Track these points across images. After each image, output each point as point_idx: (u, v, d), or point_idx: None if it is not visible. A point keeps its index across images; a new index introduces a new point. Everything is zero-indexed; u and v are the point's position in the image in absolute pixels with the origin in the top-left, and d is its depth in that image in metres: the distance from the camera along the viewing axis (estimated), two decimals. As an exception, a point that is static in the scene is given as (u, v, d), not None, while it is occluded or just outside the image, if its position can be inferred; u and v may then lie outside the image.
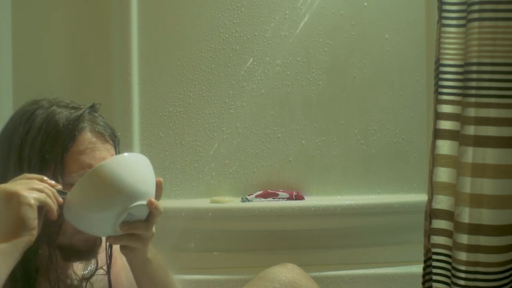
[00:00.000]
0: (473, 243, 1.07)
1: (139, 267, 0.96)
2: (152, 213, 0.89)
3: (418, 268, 1.25)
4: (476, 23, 1.06)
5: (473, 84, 1.07)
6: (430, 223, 1.19)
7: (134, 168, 0.87)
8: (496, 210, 1.06)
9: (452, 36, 1.15)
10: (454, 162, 1.14)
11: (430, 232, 1.19)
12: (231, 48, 1.56)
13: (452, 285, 1.12)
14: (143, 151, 0.93)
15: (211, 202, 1.52)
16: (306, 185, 1.58)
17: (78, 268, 0.98)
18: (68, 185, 0.85)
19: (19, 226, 0.78)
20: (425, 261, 1.20)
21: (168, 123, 1.56)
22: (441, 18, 1.16)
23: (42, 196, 0.80)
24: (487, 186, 1.06)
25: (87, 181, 0.84)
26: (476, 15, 1.06)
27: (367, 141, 1.59)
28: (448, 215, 1.17)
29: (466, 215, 1.08)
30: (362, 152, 1.59)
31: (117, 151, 0.96)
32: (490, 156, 1.05)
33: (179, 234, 1.47)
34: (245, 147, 1.57)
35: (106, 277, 0.98)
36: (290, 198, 1.54)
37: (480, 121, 1.06)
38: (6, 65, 1.52)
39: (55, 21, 1.55)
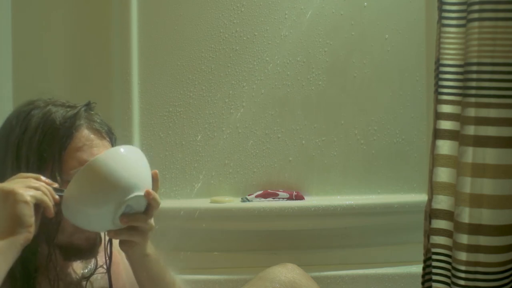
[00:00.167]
0: (473, 243, 1.07)
1: (139, 263, 0.96)
2: (150, 204, 0.89)
3: (418, 268, 1.25)
4: (476, 23, 1.06)
5: (473, 84, 1.07)
6: (430, 223, 1.19)
7: (128, 160, 0.88)
8: (496, 210, 1.06)
9: (452, 36, 1.15)
10: (454, 162, 1.14)
11: (430, 232, 1.19)
12: (231, 48, 1.56)
13: (452, 285, 1.12)
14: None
15: (211, 202, 1.52)
16: (306, 185, 1.58)
17: (78, 267, 0.98)
18: (66, 183, 0.86)
19: (16, 224, 0.79)
20: (425, 261, 1.20)
21: (168, 123, 1.56)
22: (441, 18, 1.16)
23: (38, 193, 0.81)
24: (487, 186, 1.06)
25: (82, 176, 0.84)
26: (476, 15, 1.06)
27: (367, 141, 1.59)
28: (448, 215, 1.17)
29: (466, 215, 1.08)
30: (362, 152, 1.59)
31: None
32: (490, 156, 1.05)
33: (179, 234, 1.47)
34: (245, 147, 1.57)
35: (106, 276, 0.98)
36: (290, 198, 1.54)
37: (480, 121, 1.06)
38: (6, 65, 1.52)
39: (55, 21, 1.55)
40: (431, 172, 1.19)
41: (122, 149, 0.89)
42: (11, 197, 0.79)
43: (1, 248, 0.77)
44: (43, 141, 0.88)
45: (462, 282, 1.09)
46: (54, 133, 0.89)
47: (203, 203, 1.52)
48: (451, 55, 1.15)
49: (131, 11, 1.53)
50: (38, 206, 0.82)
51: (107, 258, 0.98)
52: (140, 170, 0.89)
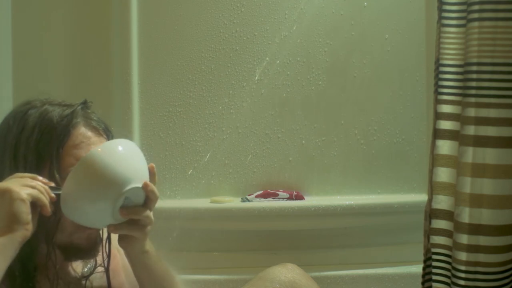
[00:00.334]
0: (473, 243, 1.07)
1: (138, 260, 0.96)
2: (149, 197, 0.90)
3: (418, 268, 1.25)
4: (476, 23, 1.06)
5: (473, 84, 1.07)
6: (430, 223, 1.19)
7: (123, 152, 0.88)
8: (496, 210, 1.06)
9: (452, 36, 1.15)
10: (454, 162, 1.14)
11: (430, 232, 1.19)
12: (231, 48, 1.56)
13: (452, 285, 1.12)
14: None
15: (211, 202, 1.52)
16: (306, 185, 1.58)
17: (78, 266, 0.98)
18: (64, 181, 0.86)
19: (13, 221, 0.79)
20: (425, 261, 1.20)
21: (168, 123, 1.56)
22: (441, 18, 1.16)
23: (34, 192, 0.82)
24: (487, 186, 1.06)
25: (78, 172, 0.84)
26: (476, 15, 1.06)
27: (367, 141, 1.59)
28: (448, 215, 1.17)
29: (466, 215, 1.08)
30: (362, 152, 1.59)
31: None
32: (490, 156, 1.05)
33: (179, 234, 1.47)
34: (245, 147, 1.57)
35: (105, 275, 0.98)
36: (290, 198, 1.54)
37: (480, 121, 1.06)
38: (6, 65, 1.52)
39: (55, 21, 1.55)
40: (431, 172, 1.19)
41: (116, 142, 0.90)
42: (7, 195, 0.80)
43: None
44: (40, 140, 0.89)
45: (462, 282, 1.09)
46: (52, 132, 0.89)
47: (203, 203, 1.52)
48: (451, 55, 1.16)
49: (131, 11, 1.52)
50: (35, 204, 0.82)
51: (105, 257, 0.98)
52: (136, 163, 0.89)
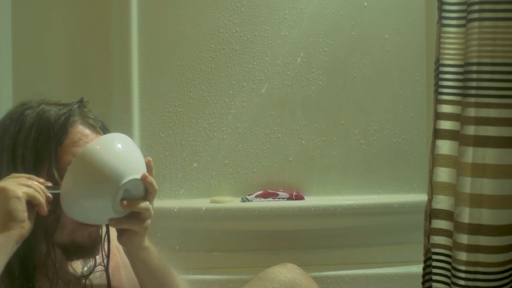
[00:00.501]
0: (473, 243, 1.07)
1: (137, 256, 0.96)
2: (148, 190, 0.90)
3: (418, 268, 1.25)
4: (476, 23, 1.06)
5: (473, 84, 1.07)
6: (430, 223, 1.19)
7: (119, 145, 0.88)
8: (496, 210, 1.06)
9: (452, 36, 1.15)
10: (454, 162, 1.14)
11: (430, 232, 1.19)
12: (231, 48, 1.56)
13: (452, 285, 1.12)
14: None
15: (211, 202, 1.52)
16: (306, 185, 1.58)
17: (77, 265, 0.98)
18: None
19: (9, 219, 0.80)
20: (425, 261, 1.20)
21: (168, 123, 1.56)
22: (441, 18, 1.16)
23: (30, 190, 0.82)
24: (487, 186, 1.06)
25: (75, 168, 0.84)
26: (476, 15, 1.06)
27: (367, 141, 1.59)
28: (448, 215, 1.17)
29: (466, 215, 1.08)
30: (362, 152, 1.59)
31: None
32: (490, 156, 1.05)
33: (179, 234, 1.47)
34: (245, 147, 1.57)
35: (104, 273, 0.98)
36: (290, 198, 1.54)
37: (480, 121, 1.06)
38: (6, 65, 1.52)
39: (55, 21, 1.55)
40: (431, 172, 1.19)
41: (110, 136, 0.90)
42: (2, 194, 0.81)
43: None
44: (38, 139, 0.89)
45: (462, 282, 1.09)
46: (49, 131, 0.90)
47: (203, 203, 1.52)
48: (451, 55, 1.15)
49: (131, 11, 1.52)
50: (32, 203, 0.82)
51: (104, 256, 0.98)
52: (132, 155, 0.90)
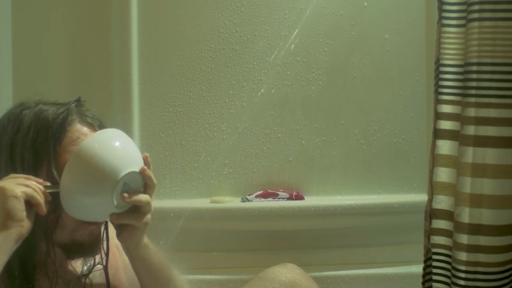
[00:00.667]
0: (473, 243, 1.07)
1: (137, 254, 0.96)
2: (147, 184, 0.91)
3: (418, 268, 1.25)
4: (476, 23, 1.06)
5: (473, 84, 1.07)
6: (430, 223, 1.19)
7: (114, 140, 0.89)
8: (496, 210, 1.06)
9: (452, 36, 1.15)
10: (454, 162, 1.14)
11: (430, 232, 1.19)
12: (231, 48, 1.56)
13: (452, 285, 1.12)
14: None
15: (211, 202, 1.52)
16: (306, 185, 1.58)
17: (77, 264, 0.98)
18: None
19: (7, 218, 0.80)
20: (425, 261, 1.20)
21: (168, 123, 1.56)
22: (441, 18, 1.16)
23: (28, 190, 0.83)
24: (487, 186, 1.06)
25: (72, 164, 0.85)
26: (476, 15, 1.06)
27: (367, 141, 1.59)
28: (448, 215, 1.17)
29: (466, 215, 1.08)
30: (362, 152, 1.59)
31: None
32: (490, 156, 1.05)
33: (179, 234, 1.47)
34: (245, 147, 1.57)
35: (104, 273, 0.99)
36: (290, 198, 1.54)
37: (480, 121, 1.06)
38: (6, 65, 1.52)
39: (55, 21, 1.55)
40: (431, 172, 1.19)
41: (106, 131, 0.91)
42: (1, 193, 0.81)
43: None
44: (37, 139, 0.89)
45: (462, 282, 1.09)
46: (48, 130, 0.90)
47: (203, 203, 1.52)
48: (451, 55, 1.15)
49: (131, 11, 1.52)
50: (31, 203, 0.83)
51: (103, 255, 0.98)
52: (129, 149, 0.90)
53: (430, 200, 1.19)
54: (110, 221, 0.92)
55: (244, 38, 1.56)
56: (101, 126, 0.96)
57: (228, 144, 1.56)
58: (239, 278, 1.40)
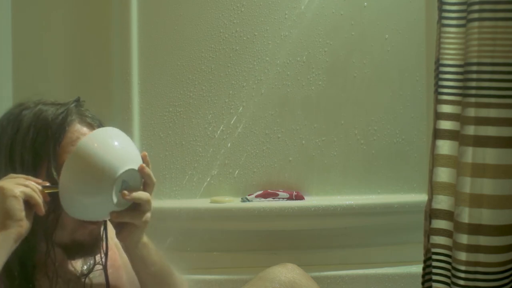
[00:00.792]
0: (473, 243, 1.07)
1: (136, 253, 0.96)
2: (146, 182, 0.91)
3: (418, 268, 1.25)
4: (476, 23, 1.06)
5: (473, 84, 1.07)
6: (430, 223, 1.19)
7: (112, 138, 0.89)
8: (496, 210, 1.06)
9: (452, 36, 1.15)
10: (454, 162, 1.14)
11: (430, 232, 1.19)
12: (231, 48, 1.56)
13: (452, 285, 1.12)
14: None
15: (211, 202, 1.52)
16: (306, 185, 1.58)
17: (77, 264, 0.98)
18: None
19: (6, 218, 0.80)
20: (424, 261, 1.20)
21: (168, 123, 1.56)
22: (441, 18, 1.16)
23: (27, 190, 0.83)
24: (487, 186, 1.06)
25: (71, 163, 0.85)
26: (476, 15, 1.06)
27: (367, 141, 1.59)
28: (448, 215, 1.17)
29: (466, 215, 1.08)
30: (362, 152, 1.59)
31: None
32: (490, 156, 1.05)
33: (179, 234, 1.47)
34: (245, 147, 1.57)
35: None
36: (290, 198, 1.54)
37: (480, 121, 1.06)
38: (6, 65, 1.52)
39: (55, 21, 1.55)
40: (431, 172, 1.19)
41: (103, 130, 0.91)
42: (0, 193, 0.81)
43: None
44: (36, 139, 0.89)
45: (462, 282, 1.09)
46: (47, 130, 0.90)
47: (203, 203, 1.52)
48: (451, 55, 1.15)
49: (131, 11, 1.53)
50: (30, 203, 0.83)
51: (102, 255, 0.98)
52: (127, 147, 0.90)
53: (430, 200, 1.19)
54: (110, 219, 0.92)
55: (244, 38, 1.56)
56: (101, 126, 0.96)
57: (228, 144, 1.56)
58: (239, 278, 1.40)
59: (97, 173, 0.85)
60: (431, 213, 1.19)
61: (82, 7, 1.54)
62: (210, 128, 1.56)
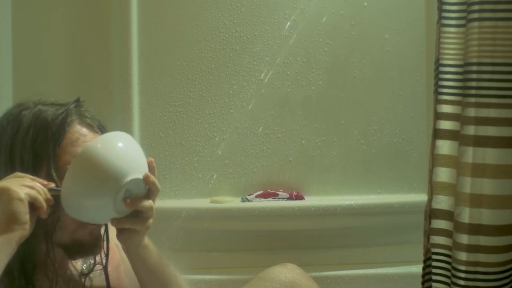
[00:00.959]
0: (473, 243, 1.07)
1: (137, 254, 0.96)
2: (150, 189, 0.90)
3: (418, 268, 1.25)
4: (476, 23, 1.06)
5: (473, 84, 1.07)
6: (430, 223, 1.19)
7: (120, 144, 0.87)
8: (496, 210, 1.06)
9: (452, 36, 1.15)
10: (454, 162, 1.14)
11: (429, 232, 1.19)
12: (231, 48, 1.56)
13: (452, 285, 1.12)
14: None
15: (211, 202, 1.52)
16: (306, 185, 1.58)
17: (77, 264, 0.98)
18: (63, 179, 0.86)
19: (11, 221, 0.79)
20: (424, 261, 1.20)
21: (168, 123, 1.56)
22: (441, 18, 1.16)
23: (33, 192, 0.82)
24: (487, 186, 1.06)
25: (75, 167, 0.84)
26: (476, 15, 1.06)
27: (367, 141, 1.59)
28: (448, 215, 1.17)
29: (466, 215, 1.08)
30: (362, 152, 1.59)
31: None
32: (490, 156, 1.05)
33: (179, 234, 1.47)
34: (245, 147, 1.57)
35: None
36: (290, 198, 1.54)
37: (480, 121, 1.06)
38: (6, 65, 1.52)
39: (55, 21, 1.55)
40: (431, 172, 1.19)
41: (112, 135, 0.89)
42: (5, 194, 0.80)
43: None
44: (36, 140, 0.89)
45: (462, 282, 1.09)
46: (47, 131, 0.89)
47: (203, 203, 1.52)
48: (451, 55, 1.15)
49: (131, 11, 1.53)
50: (33, 205, 0.82)
51: (103, 255, 0.98)
52: (134, 154, 0.89)
53: (430, 200, 1.19)
54: (112, 225, 0.92)
55: (244, 38, 1.56)
56: (101, 127, 0.96)
57: (228, 144, 1.56)
58: (239, 278, 1.40)
59: (101, 179, 0.84)
60: (431, 213, 1.19)
61: (82, 7, 1.55)
62: (210, 128, 1.56)
